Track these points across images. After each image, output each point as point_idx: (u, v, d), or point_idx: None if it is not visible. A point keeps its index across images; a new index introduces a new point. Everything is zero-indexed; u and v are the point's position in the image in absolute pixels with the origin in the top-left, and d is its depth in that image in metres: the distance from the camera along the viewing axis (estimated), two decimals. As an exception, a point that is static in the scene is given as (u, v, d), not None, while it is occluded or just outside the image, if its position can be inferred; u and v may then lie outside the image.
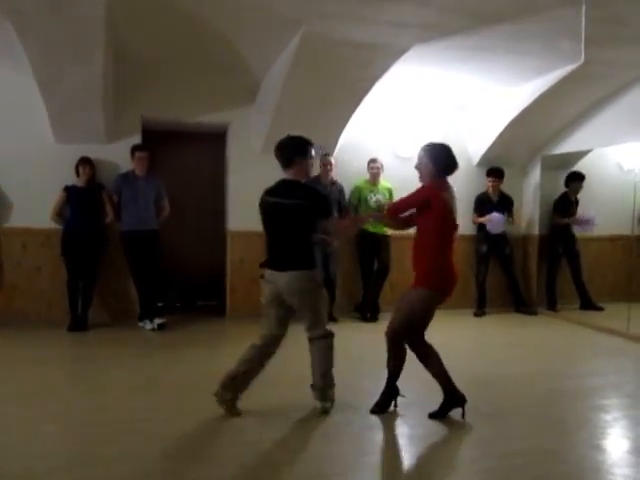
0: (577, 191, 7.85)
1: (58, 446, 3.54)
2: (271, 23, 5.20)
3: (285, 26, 5.24)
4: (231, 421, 3.89)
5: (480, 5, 4.79)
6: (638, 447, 3.67)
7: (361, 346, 5.72)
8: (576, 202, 7.89)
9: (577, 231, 7.75)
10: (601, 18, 5.02)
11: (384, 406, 4.10)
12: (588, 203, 7.86)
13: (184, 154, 7.77)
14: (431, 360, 4.02)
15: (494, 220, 7.53)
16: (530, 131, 7.55)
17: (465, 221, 7.81)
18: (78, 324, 6.35)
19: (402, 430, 3.92)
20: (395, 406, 4.12)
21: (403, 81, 6.77)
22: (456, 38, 5.39)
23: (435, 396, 4.07)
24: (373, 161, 7.27)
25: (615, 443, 3.81)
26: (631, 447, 3.69)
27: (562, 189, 7.90)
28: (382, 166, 7.32)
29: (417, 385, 4.32)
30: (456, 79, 6.90)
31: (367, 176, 7.27)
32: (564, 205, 7.84)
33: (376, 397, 4.13)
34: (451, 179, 4.01)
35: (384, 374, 4.10)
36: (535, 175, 8.08)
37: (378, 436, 3.82)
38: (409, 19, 5.03)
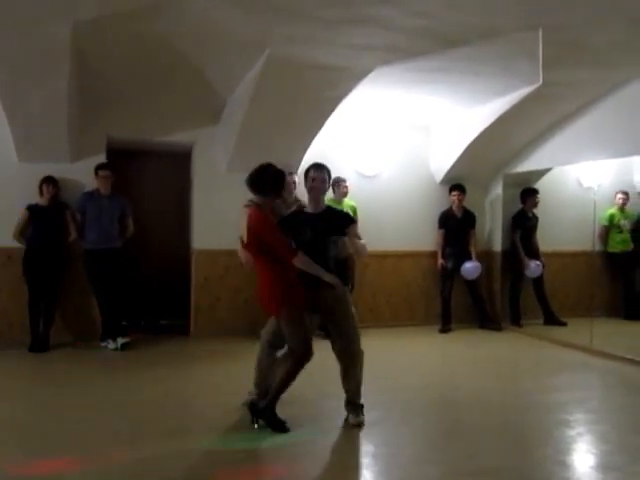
0: (534, 206, 7.99)
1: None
2: (236, 46, 5.23)
3: (250, 49, 5.28)
4: (192, 441, 3.84)
5: (442, 29, 4.89)
6: (602, 463, 3.71)
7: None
8: (535, 218, 8.05)
9: (527, 274, 7.91)
10: (557, 41, 5.19)
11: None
12: (549, 220, 8.03)
13: (149, 173, 7.70)
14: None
15: (468, 268, 7.68)
16: (491, 150, 7.67)
17: (428, 238, 7.92)
18: (39, 344, 6.22)
19: (366, 449, 3.91)
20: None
21: (367, 101, 6.84)
22: (418, 60, 5.48)
23: (401, 413, 4.07)
24: (343, 180, 7.26)
25: (580, 459, 3.85)
26: (596, 463, 3.73)
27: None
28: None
29: (385, 403, 4.33)
30: (419, 100, 6.99)
31: (332, 194, 7.28)
32: (521, 221, 7.99)
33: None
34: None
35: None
36: (497, 193, 8.22)
37: (341, 454, 3.81)
38: (372, 42, 5.11)
